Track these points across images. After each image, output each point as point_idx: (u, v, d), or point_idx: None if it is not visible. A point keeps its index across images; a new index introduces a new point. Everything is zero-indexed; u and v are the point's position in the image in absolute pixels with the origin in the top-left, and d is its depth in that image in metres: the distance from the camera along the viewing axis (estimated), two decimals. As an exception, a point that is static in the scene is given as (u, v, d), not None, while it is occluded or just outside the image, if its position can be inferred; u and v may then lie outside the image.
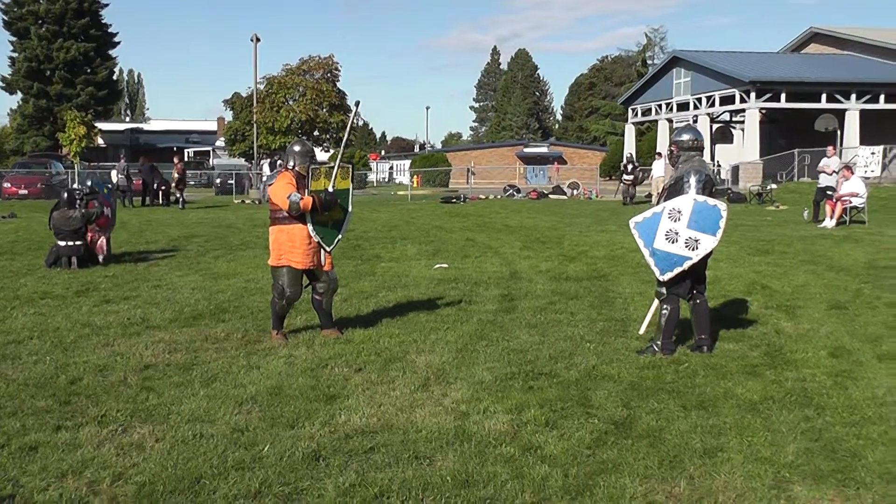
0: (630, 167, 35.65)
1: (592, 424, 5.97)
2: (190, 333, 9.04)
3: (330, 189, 8.54)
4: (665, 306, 8.03)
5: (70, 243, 14.33)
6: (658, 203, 8.28)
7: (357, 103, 10.01)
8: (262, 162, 44.18)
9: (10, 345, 8.49)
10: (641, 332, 8.59)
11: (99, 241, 14.82)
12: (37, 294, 11.53)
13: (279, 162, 33.51)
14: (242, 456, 5.37)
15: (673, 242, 7.89)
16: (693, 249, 7.83)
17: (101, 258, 14.73)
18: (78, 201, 14.88)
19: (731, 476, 5.09)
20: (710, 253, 8.10)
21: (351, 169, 9.31)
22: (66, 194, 15.21)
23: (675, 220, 7.90)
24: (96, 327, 9.37)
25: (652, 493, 4.88)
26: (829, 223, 22.36)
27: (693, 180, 7.99)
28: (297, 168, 8.60)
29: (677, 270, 7.89)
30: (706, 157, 40.66)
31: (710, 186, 8.10)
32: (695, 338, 8.21)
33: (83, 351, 8.25)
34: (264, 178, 39.52)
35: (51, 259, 14.37)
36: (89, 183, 16.09)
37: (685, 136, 8.34)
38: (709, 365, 7.59)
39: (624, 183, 35.62)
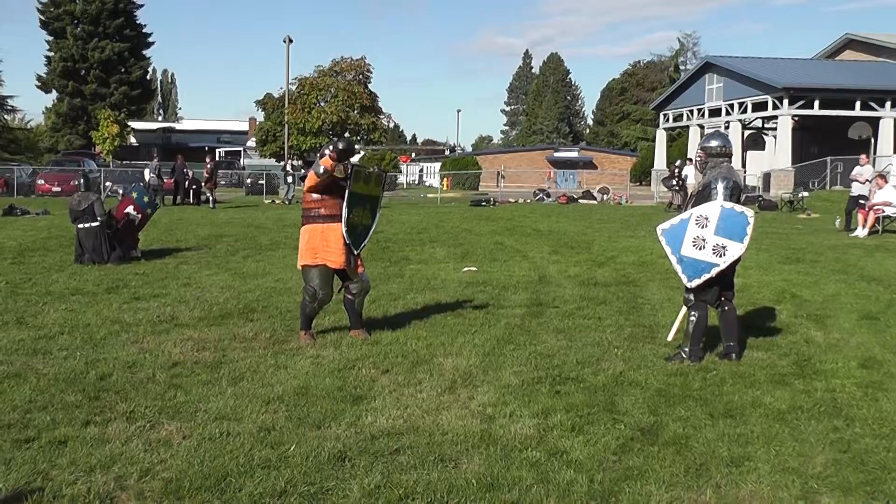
0: (678, 171, 33.78)
1: (619, 430, 5.95)
2: (218, 332, 9.08)
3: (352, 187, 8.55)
4: (693, 313, 7.98)
5: (86, 225, 14.52)
6: (686, 209, 8.25)
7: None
8: (287, 162, 44.22)
9: (42, 340, 8.57)
10: (669, 338, 8.55)
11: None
12: (68, 290, 11.64)
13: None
14: (268, 455, 5.39)
15: (700, 249, 7.85)
16: (720, 256, 7.78)
17: (135, 252, 15.01)
18: (95, 187, 15.28)
19: (758, 486, 5.05)
20: (739, 260, 8.05)
21: (384, 177, 9.41)
22: (83, 178, 15.51)
23: (703, 227, 7.85)
24: (126, 324, 9.44)
25: (678, 501, 4.85)
26: (861, 232, 22.15)
27: (720, 187, 7.94)
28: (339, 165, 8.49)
29: (705, 277, 7.84)
30: (737, 163, 40.44)
31: (738, 193, 8.04)
32: (723, 345, 8.16)
33: (113, 347, 8.32)
34: (289, 180, 39.71)
35: (78, 251, 14.55)
36: (120, 191, 16.31)
37: (713, 143, 8.29)
38: (737, 373, 7.54)
39: (671, 190, 34.27)
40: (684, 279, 7.97)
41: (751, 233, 7.82)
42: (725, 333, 8.14)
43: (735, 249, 7.79)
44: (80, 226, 14.64)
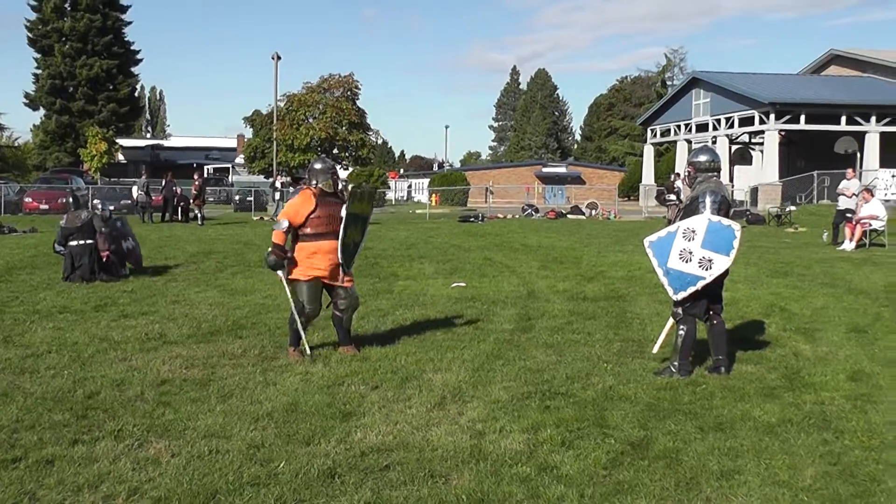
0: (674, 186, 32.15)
1: (609, 445, 5.94)
2: (207, 349, 9.06)
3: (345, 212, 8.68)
4: (681, 327, 7.99)
5: (81, 242, 14.49)
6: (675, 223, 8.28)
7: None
8: (276, 180, 44.18)
9: (29, 358, 8.53)
10: (655, 351, 8.55)
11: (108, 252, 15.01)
12: (55, 308, 11.60)
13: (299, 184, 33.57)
14: (258, 472, 5.37)
15: (687, 262, 7.87)
16: (707, 269, 7.80)
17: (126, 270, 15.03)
18: (85, 204, 15.38)
19: (749, 499, 5.05)
20: (726, 273, 8.07)
21: (373, 194, 9.54)
22: (71, 198, 15.65)
23: (690, 240, 7.88)
24: (114, 342, 9.40)
25: (668, 515, 4.85)
26: (848, 246, 22.25)
27: (708, 201, 7.97)
28: (320, 185, 8.68)
29: (691, 290, 7.86)
30: (725, 178, 40.56)
31: (726, 207, 8.08)
32: (712, 359, 8.17)
33: (100, 365, 8.28)
34: (277, 197, 39.71)
35: (67, 270, 14.48)
36: (110, 207, 16.47)
37: (702, 158, 8.33)
38: (726, 387, 7.54)
39: (668, 205, 32.78)
40: (670, 291, 7.99)
41: (737, 246, 7.85)
42: (714, 347, 8.15)
43: (721, 263, 7.81)
44: (74, 243, 14.57)
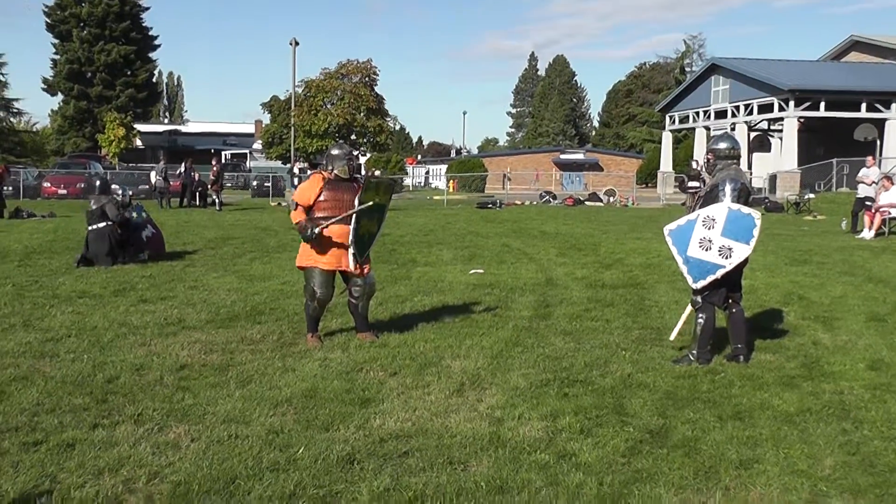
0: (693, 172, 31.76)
1: (627, 433, 5.94)
2: (226, 335, 9.09)
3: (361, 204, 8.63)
4: (700, 315, 7.97)
5: (95, 227, 14.60)
6: (693, 210, 8.24)
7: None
8: (293, 166, 44.17)
9: (49, 342, 8.58)
10: (672, 338, 8.52)
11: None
12: (75, 293, 11.65)
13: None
14: (277, 458, 5.39)
15: (707, 250, 7.83)
16: (727, 258, 7.77)
17: (144, 255, 15.09)
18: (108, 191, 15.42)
19: (768, 488, 5.04)
20: (746, 261, 8.03)
21: (392, 186, 9.51)
22: (98, 181, 15.65)
23: (710, 228, 7.84)
24: (133, 327, 9.45)
25: (687, 504, 4.85)
26: (867, 234, 22.11)
27: (728, 188, 7.93)
28: (336, 172, 8.68)
29: (710, 279, 7.83)
30: (743, 165, 40.36)
31: (745, 195, 8.03)
32: (731, 347, 8.14)
33: (120, 350, 8.33)
34: (295, 182, 39.72)
35: (79, 255, 14.58)
36: (128, 192, 16.47)
37: (722, 145, 8.28)
38: (745, 375, 7.52)
39: (689, 192, 32.31)
40: (690, 280, 7.97)
41: (757, 235, 7.81)
42: (733, 335, 8.13)
43: (741, 251, 7.78)
44: (90, 227, 14.71)
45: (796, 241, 20.95)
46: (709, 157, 8.35)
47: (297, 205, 8.71)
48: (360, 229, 8.66)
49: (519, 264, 15.52)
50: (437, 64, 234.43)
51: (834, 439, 5.89)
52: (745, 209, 7.86)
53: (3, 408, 6.38)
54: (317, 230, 8.53)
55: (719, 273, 7.81)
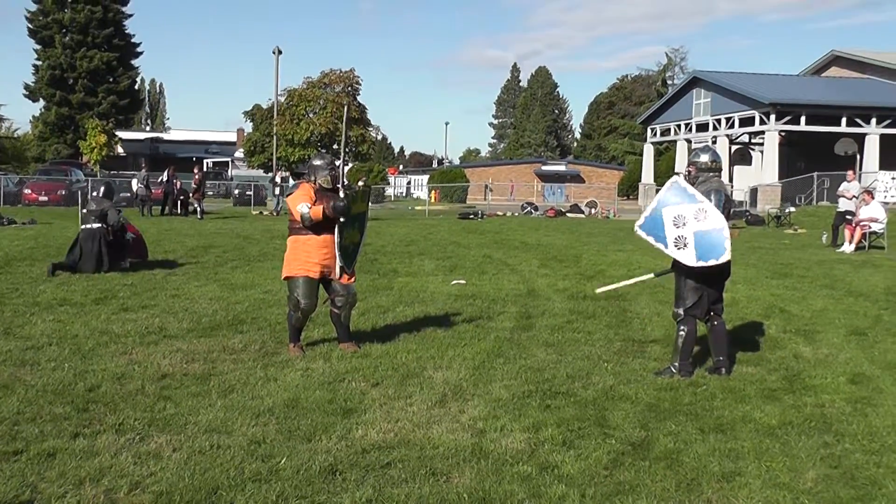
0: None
1: (610, 445, 5.95)
2: (207, 344, 9.05)
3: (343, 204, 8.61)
4: (682, 327, 7.99)
5: (89, 226, 14.56)
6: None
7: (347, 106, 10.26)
8: (275, 175, 44.16)
9: (30, 351, 8.52)
10: (598, 291, 8.45)
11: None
12: (56, 301, 11.58)
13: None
14: (259, 468, 5.37)
15: (684, 225, 7.75)
16: (700, 221, 7.72)
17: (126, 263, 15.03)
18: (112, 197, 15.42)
19: (749, 501, 5.06)
20: (728, 275, 8.08)
21: (368, 192, 9.51)
22: (103, 186, 15.63)
23: (676, 205, 7.85)
24: (114, 335, 9.40)
25: (669, 516, 4.86)
26: (847, 248, 22.27)
27: (714, 199, 7.95)
28: (319, 182, 8.67)
29: (717, 242, 7.73)
30: (725, 178, 40.51)
31: (728, 206, 8.09)
32: (713, 360, 8.17)
33: (101, 358, 8.28)
34: (277, 192, 39.69)
35: (50, 266, 14.49)
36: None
37: (704, 157, 8.32)
38: (727, 388, 7.55)
39: None
40: (691, 258, 7.79)
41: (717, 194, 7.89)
42: (715, 348, 8.16)
43: (712, 212, 7.73)
44: (84, 226, 14.68)
45: (777, 254, 21.06)
46: (690, 169, 8.39)
47: (307, 206, 8.55)
48: (343, 240, 8.66)
49: (501, 275, 15.53)
50: (420, 74, 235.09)
51: (815, 452, 5.92)
52: (682, 182, 7.91)
53: (-18, 416, 6.33)
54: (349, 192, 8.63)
55: (724, 233, 7.73)
